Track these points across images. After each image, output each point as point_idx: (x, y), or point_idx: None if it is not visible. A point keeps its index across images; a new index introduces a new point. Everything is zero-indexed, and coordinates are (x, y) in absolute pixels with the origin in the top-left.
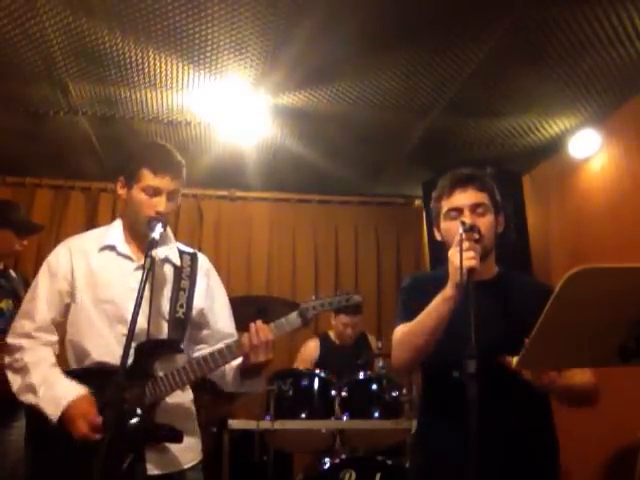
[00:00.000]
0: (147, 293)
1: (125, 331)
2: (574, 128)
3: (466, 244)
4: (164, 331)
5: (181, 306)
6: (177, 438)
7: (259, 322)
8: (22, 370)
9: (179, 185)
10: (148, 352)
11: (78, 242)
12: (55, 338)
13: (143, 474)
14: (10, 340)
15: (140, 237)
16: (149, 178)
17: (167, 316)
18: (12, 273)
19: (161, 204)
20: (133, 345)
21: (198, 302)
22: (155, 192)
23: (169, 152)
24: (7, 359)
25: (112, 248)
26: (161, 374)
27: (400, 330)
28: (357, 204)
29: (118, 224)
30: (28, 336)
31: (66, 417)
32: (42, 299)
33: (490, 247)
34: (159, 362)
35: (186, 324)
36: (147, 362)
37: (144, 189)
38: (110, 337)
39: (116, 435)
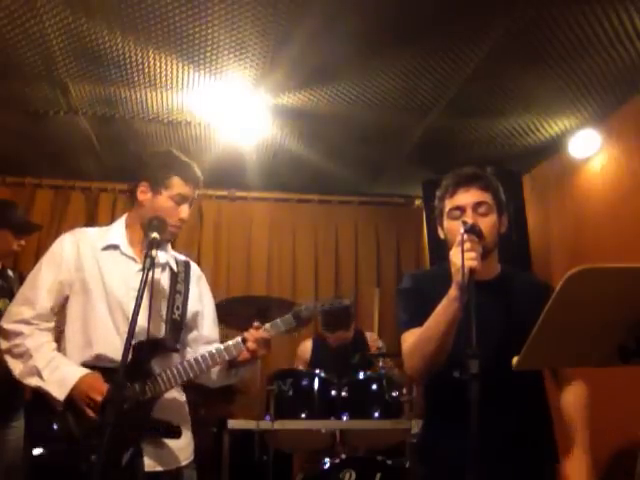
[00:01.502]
0: (146, 293)
1: (126, 328)
2: (574, 128)
3: (467, 244)
4: (162, 331)
5: (177, 308)
6: (176, 433)
7: (255, 327)
8: (24, 355)
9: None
10: (146, 350)
11: (84, 235)
12: (52, 324)
13: (142, 470)
14: (7, 325)
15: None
16: (180, 186)
17: (165, 317)
18: (10, 273)
19: (185, 211)
20: (132, 343)
21: (192, 305)
22: (182, 200)
23: (192, 163)
24: (5, 344)
25: (116, 247)
26: (159, 371)
27: (409, 337)
28: (357, 204)
29: (120, 225)
30: (27, 322)
31: (73, 395)
32: (44, 288)
33: (492, 247)
34: (155, 360)
35: (182, 325)
36: (145, 360)
37: (173, 197)
38: (113, 332)
39: (116, 432)
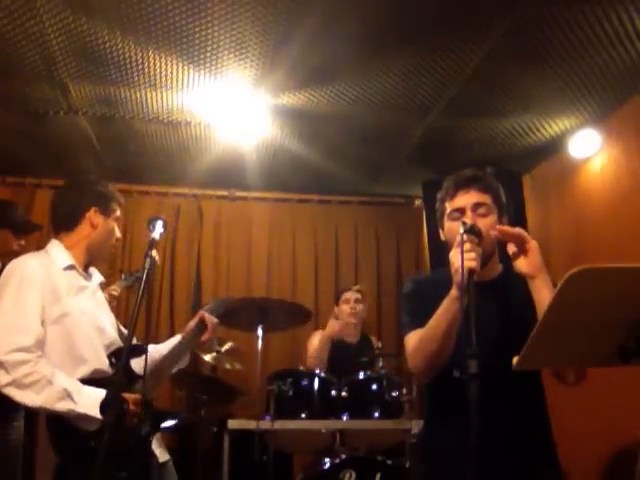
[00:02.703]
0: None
1: (104, 340)
2: (574, 128)
3: (467, 245)
4: (118, 340)
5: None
6: (180, 418)
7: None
8: (39, 383)
9: None
10: (127, 355)
11: (42, 258)
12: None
13: (156, 462)
14: (6, 357)
15: (92, 261)
16: (119, 211)
17: (117, 327)
18: None
19: (119, 232)
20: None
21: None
22: (118, 222)
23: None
24: (7, 377)
25: (72, 267)
26: (143, 372)
27: (412, 338)
28: (357, 204)
29: (61, 248)
30: (28, 350)
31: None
32: (33, 313)
33: (492, 248)
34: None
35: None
36: (128, 364)
37: (117, 219)
38: (99, 347)
39: (121, 432)
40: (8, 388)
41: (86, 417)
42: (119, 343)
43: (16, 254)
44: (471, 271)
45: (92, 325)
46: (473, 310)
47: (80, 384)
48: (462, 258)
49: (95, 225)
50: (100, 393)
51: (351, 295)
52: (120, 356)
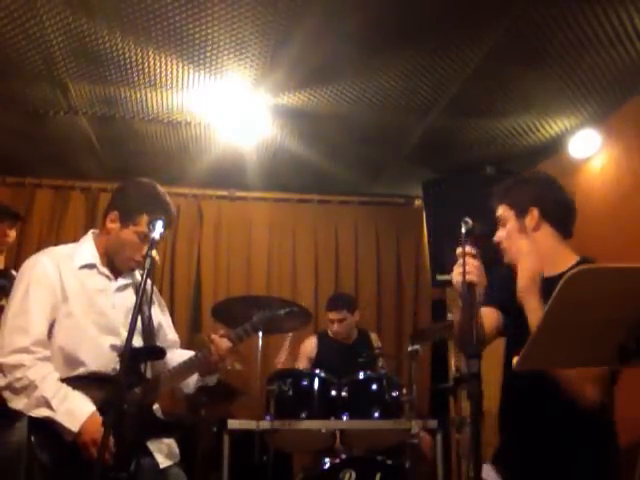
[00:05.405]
0: (128, 304)
1: (114, 342)
2: (574, 128)
3: (466, 260)
4: (140, 340)
5: (149, 318)
6: (177, 431)
7: (216, 336)
8: (28, 388)
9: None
10: (139, 357)
11: (59, 255)
12: (49, 353)
13: (155, 468)
14: (4, 359)
15: (116, 266)
16: (145, 226)
17: (140, 327)
18: (13, 273)
19: (145, 249)
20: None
21: (156, 316)
22: (146, 239)
23: (167, 204)
24: (3, 380)
25: (92, 266)
26: (152, 376)
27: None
28: (357, 204)
29: (91, 245)
30: (26, 351)
31: (82, 429)
32: (37, 313)
33: (514, 253)
34: (144, 366)
35: (154, 333)
36: (138, 366)
37: (138, 233)
38: (103, 347)
39: (119, 433)
40: (5, 391)
41: (62, 427)
42: (138, 344)
43: (18, 257)
44: (471, 284)
45: (99, 325)
46: (472, 310)
47: (70, 393)
48: (464, 271)
49: (108, 230)
50: (86, 408)
51: (333, 316)
52: (135, 357)
